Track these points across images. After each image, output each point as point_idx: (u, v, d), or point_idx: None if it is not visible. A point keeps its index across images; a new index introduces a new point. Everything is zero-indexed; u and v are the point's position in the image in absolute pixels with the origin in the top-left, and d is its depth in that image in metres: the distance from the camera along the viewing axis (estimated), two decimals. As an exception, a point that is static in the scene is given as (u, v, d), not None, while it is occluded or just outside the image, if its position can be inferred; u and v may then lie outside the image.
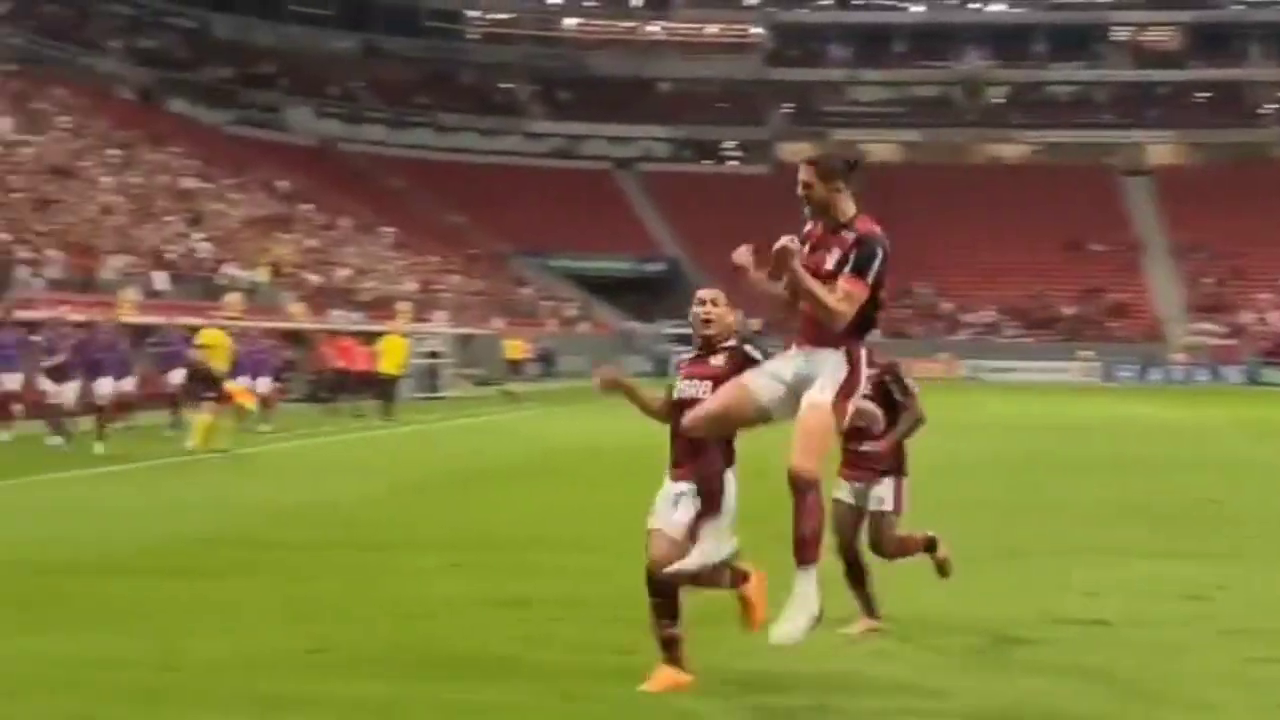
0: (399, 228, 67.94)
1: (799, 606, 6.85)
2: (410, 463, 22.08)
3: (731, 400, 7.12)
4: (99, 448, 21.87)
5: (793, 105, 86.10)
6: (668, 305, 62.58)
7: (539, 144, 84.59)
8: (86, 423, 23.61)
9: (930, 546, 9.48)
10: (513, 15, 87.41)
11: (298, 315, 43.21)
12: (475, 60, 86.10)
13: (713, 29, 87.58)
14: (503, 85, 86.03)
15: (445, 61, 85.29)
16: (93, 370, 24.10)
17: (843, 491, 9.20)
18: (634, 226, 79.07)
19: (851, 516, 9.20)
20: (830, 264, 6.89)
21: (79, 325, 26.04)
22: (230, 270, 47.09)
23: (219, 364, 22.67)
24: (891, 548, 9.28)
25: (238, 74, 77.47)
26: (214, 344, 22.96)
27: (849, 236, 6.92)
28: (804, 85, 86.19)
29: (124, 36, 72.73)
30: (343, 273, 55.51)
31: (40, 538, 13.24)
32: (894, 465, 9.17)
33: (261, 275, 48.46)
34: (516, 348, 53.39)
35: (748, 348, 7.56)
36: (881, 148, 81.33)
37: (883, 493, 9.14)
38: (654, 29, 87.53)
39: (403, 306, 46.25)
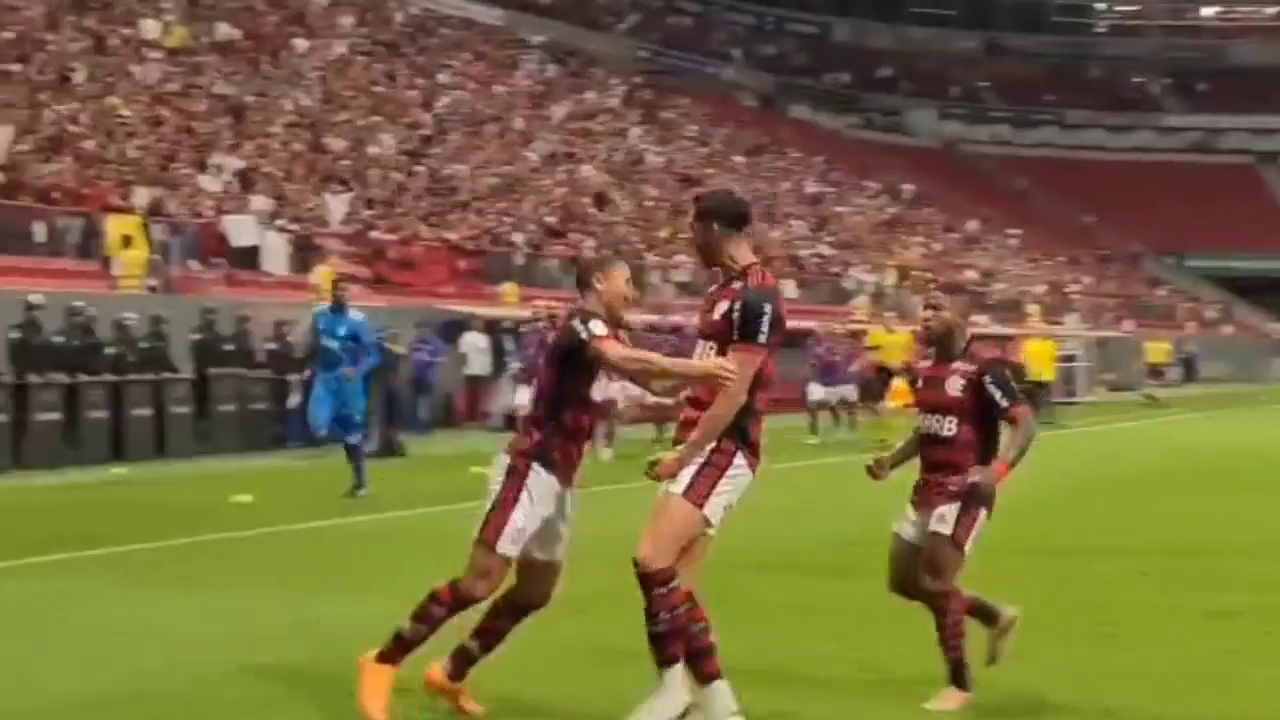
0: (1025, 228, 65.48)
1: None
2: (1075, 467, 20.91)
3: None
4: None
5: None
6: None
7: (1174, 139, 79.89)
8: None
9: (986, 615, 7.23)
10: (1144, 6, 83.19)
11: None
12: (1103, 54, 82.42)
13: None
14: (1134, 79, 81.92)
15: (1071, 57, 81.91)
16: None
17: (904, 524, 7.29)
18: (1281, 223, 73.36)
19: (909, 554, 7.25)
20: (717, 315, 6.47)
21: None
22: (857, 274, 45.97)
23: (893, 361, 23.82)
24: (935, 584, 7.06)
25: (857, 78, 76.75)
26: (885, 343, 24.78)
27: (737, 288, 6.48)
28: None
29: (745, 44, 73.30)
30: (969, 275, 53.45)
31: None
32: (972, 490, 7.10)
33: (888, 279, 47.12)
34: (1160, 351, 49.99)
35: None
36: None
37: (946, 512, 7.12)
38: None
39: (1032, 309, 43.98)
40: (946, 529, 7.07)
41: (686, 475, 6.38)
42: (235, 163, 31.35)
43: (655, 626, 6.37)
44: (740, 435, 6.44)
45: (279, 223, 29.73)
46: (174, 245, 27.14)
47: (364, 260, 31.63)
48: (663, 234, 43.07)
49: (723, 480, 6.41)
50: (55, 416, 19.85)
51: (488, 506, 6.65)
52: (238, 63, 36.94)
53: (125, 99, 30.84)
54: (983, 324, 43.17)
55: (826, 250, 49.16)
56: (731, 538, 6.88)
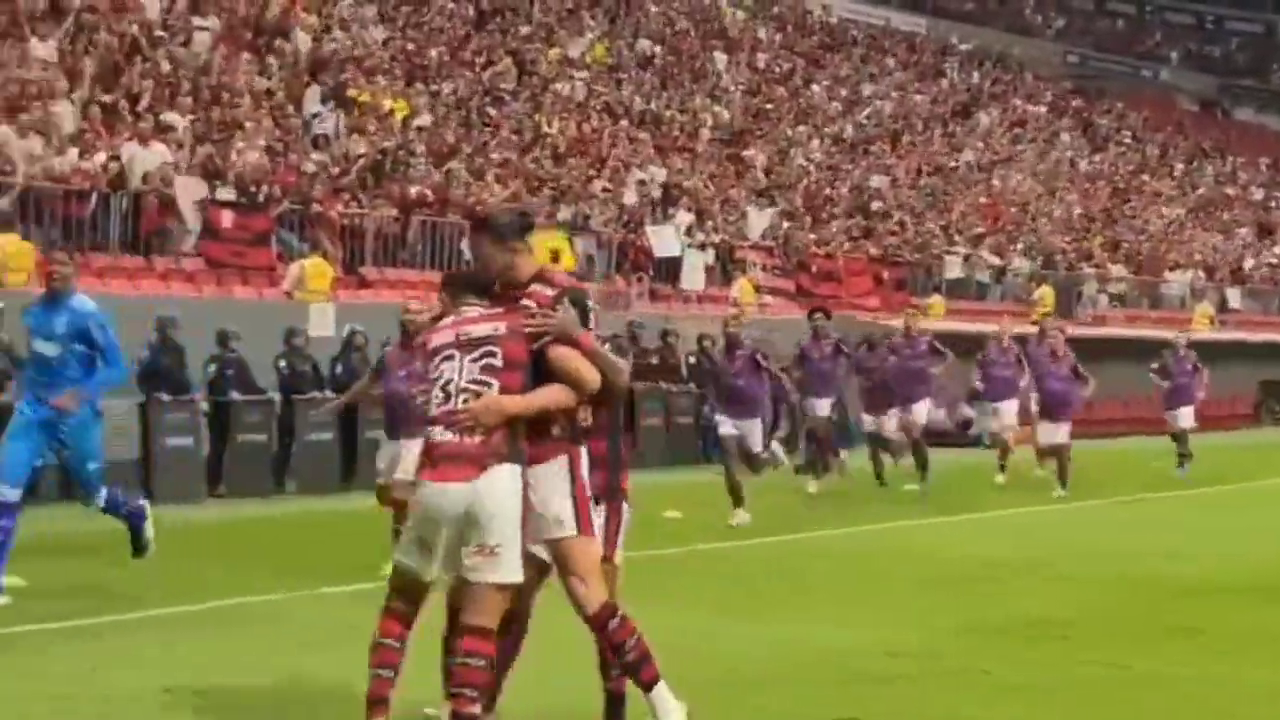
0: None
1: None
2: None
3: None
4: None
5: None
6: None
7: None
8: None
9: None
10: None
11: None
12: None
13: None
14: None
15: None
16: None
17: None
18: None
19: None
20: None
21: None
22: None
23: None
24: None
25: (1305, 77, 72.13)
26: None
27: (546, 291, 6.49)
28: None
29: (1183, 45, 69.81)
30: None
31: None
32: None
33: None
34: None
35: None
36: None
37: None
38: None
39: None
40: None
41: (570, 515, 6.47)
42: (657, 176, 31.24)
43: (625, 658, 6.50)
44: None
45: (699, 237, 29.44)
46: (598, 258, 27.16)
47: (785, 273, 31.14)
48: (1096, 243, 41.23)
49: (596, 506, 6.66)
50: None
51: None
52: (658, 78, 36.96)
53: (548, 116, 31.10)
54: None
55: (1275, 259, 46.25)
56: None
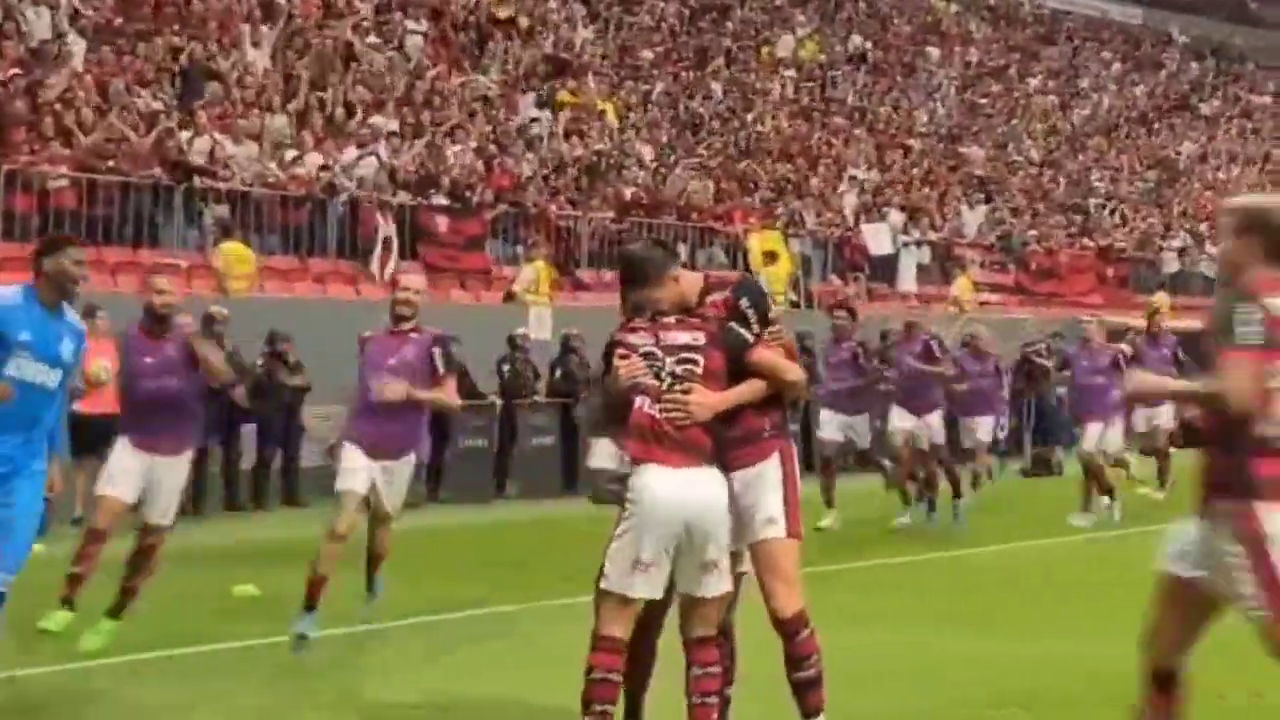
0: None
1: None
2: None
3: None
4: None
5: None
6: None
7: None
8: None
9: None
10: None
11: None
12: None
13: None
14: None
15: None
16: None
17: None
18: None
19: None
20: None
21: None
22: None
23: None
24: None
25: None
26: None
27: (720, 297, 6.37)
28: None
29: None
30: None
31: None
32: None
33: None
34: None
35: None
36: None
37: None
38: None
39: None
40: None
41: (781, 514, 6.25)
42: (871, 175, 30.57)
43: (804, 672, 6.25)
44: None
45: (915, 235, 28.71)
46: (814, 258, 26.59)
47: (1003, 270, 30.28)
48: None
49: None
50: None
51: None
52: (872, 74, 36.24)
53: (760, 115, 30.60)
54: None
55: None
56: None
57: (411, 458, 9.51)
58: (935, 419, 16.03)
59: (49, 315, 7.18)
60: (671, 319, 6.28)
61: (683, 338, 6.23)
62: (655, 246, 6.77)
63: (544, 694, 7.67)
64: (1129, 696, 5.52)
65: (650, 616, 6.30)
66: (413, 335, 9.29)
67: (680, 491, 6.03)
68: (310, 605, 8.94)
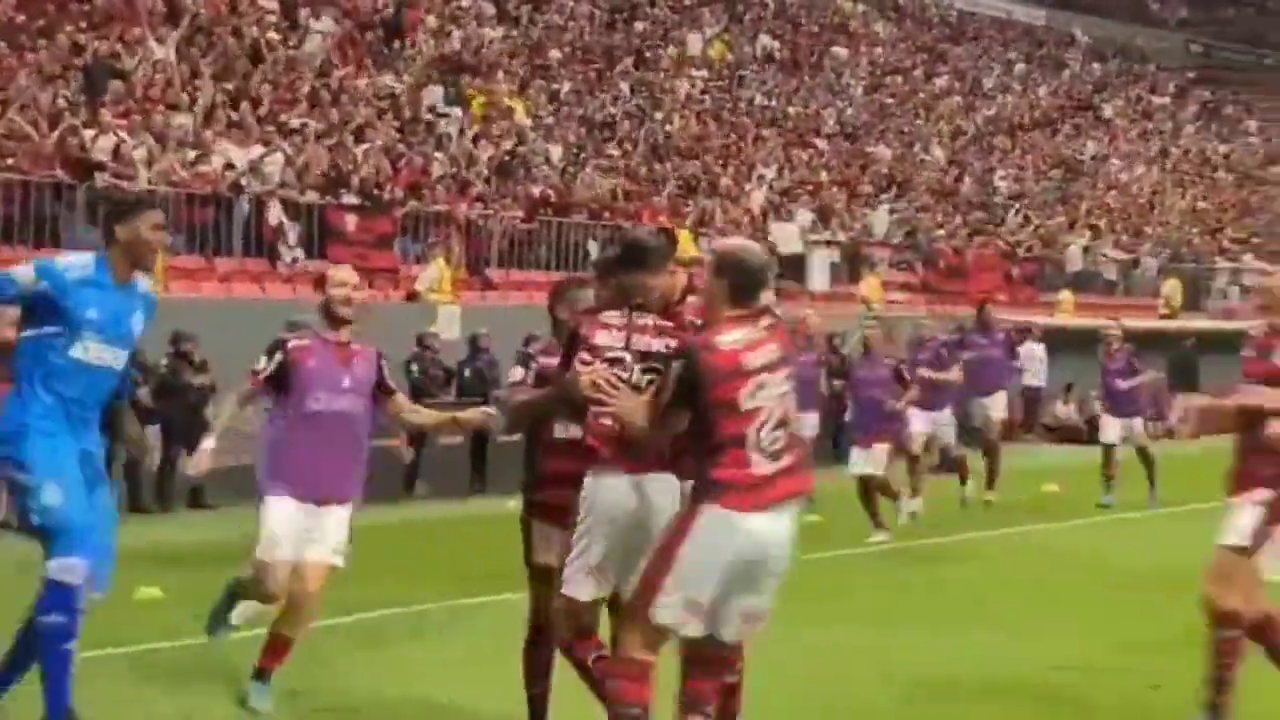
0: None
1: None
2: None
3: None
4: None
5: None
6: None
7: None
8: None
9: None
10: None
11: None
12: None
13: None
14: None
15: None
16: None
17: None
18: None
19: None
20: None
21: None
22: None
23: None
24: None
25: None
26: None
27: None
28: None
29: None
30: None
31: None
32: None
33: None
34: None
35: None
36: None
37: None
38: None
39: None
40: None
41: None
42: (779, 174, 30.70)
43: None
44: None
45: (825, 235, 28.88)
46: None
47: (911, 269, 30.53)
48: (1228, 234, 40.14)
49: None
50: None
51: None
52: (780, 74, 36.41)
53: (669, 114, 30.67)
54: None
55: None
56: None
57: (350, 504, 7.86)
58: (947, 415, 16.39)
59: (120, 289, 6.54)
60: (649, 320, 6.11)
61: (655, 345, 6.08)
62: (661, 233, 6.62)
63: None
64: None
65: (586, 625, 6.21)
66: (355, 348, 7.64)
67: (629, 496, 5.95)
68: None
